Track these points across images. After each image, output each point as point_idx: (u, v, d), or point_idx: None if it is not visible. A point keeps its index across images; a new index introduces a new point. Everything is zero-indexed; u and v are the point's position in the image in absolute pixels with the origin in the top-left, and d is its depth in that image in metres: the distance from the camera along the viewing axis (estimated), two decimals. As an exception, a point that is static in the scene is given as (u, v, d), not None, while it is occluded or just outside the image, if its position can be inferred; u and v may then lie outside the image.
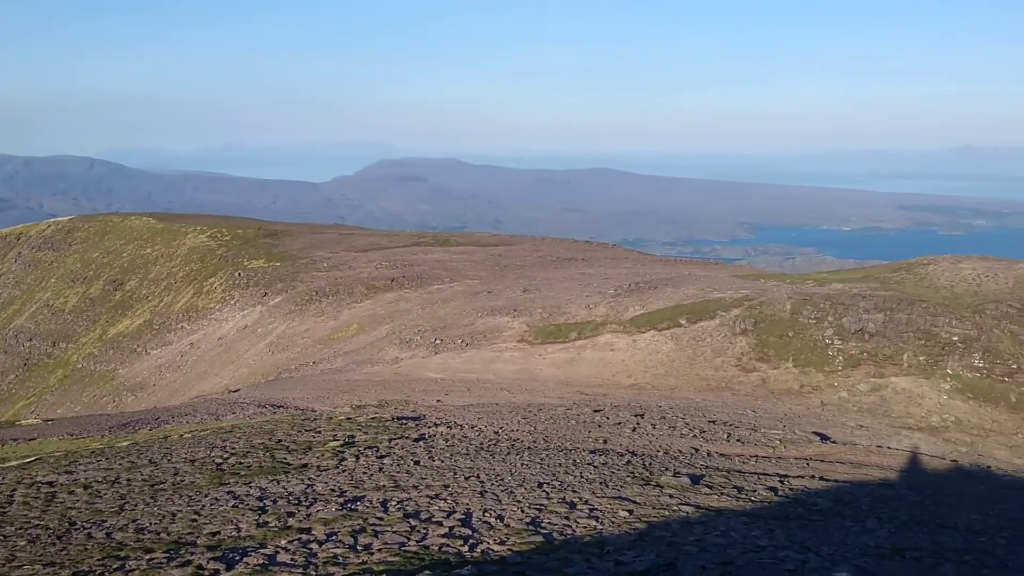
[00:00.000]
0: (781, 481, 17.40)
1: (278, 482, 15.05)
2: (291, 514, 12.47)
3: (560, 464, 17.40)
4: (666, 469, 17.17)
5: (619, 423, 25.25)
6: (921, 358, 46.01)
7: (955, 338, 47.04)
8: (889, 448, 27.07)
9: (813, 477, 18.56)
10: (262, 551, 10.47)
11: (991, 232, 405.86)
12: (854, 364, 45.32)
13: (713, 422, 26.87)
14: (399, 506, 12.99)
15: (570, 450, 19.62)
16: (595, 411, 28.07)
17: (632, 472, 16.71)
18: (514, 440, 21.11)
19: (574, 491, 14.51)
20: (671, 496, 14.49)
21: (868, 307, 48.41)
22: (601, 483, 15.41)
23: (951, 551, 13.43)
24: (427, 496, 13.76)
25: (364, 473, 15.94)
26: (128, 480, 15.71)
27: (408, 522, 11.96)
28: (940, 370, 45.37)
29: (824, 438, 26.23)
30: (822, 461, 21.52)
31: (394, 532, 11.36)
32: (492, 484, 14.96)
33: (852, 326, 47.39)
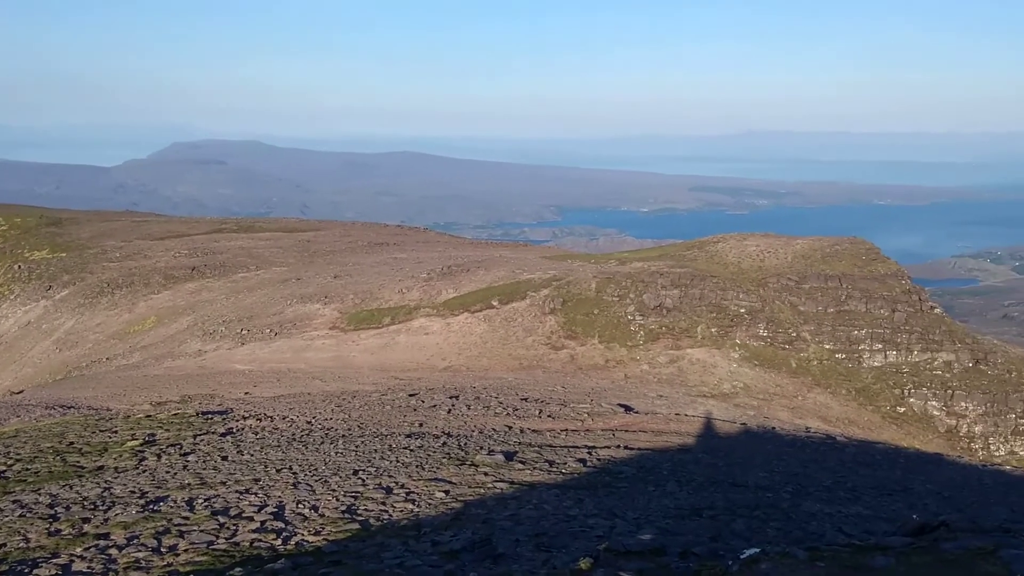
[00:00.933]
0: (589, 452, 18.16)
1: (71, 487, 14.01)
2: (87, 520, 11.66)
3: (376, 450, 17.29)
4: (481, 448, 17.47)
5: (434, 406, 25.41)
6: (713, 330, 49.37)
7: (742, 310, 50.82)
8: (687, 415, 28.88)
9: (619, 447, 19.48)
10: (55, 561, 9.74)
11: (772, 211, 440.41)
12: (654, 338, 47.96)
13: (525, 399, 27.60)
14: (206, 504, 12.46)
15: (386, 435, 19.54)
16: (410, 395, 28.10)
17: (448, 453, 16.87)
18: (328, 429, 20.76)
19: (390, 476, 14.48)
20: (486, 474, 14.77)
21: (665, 284, 51.33)
22: (417, 466, 15.46)
23: (743, 507, 14.52)
24: (236, 491, 13.28)
25: (167, 472, 15.15)
26: None
27: (216, 520, 11.50)
28: (730, 340, 48.90)
29: (628, 409, 27.60)
30: (627, 431, 22.63)
31: (201, 531, 10.89)
32: (306, 475, 14.66)
33: (652, 302, 50.07)
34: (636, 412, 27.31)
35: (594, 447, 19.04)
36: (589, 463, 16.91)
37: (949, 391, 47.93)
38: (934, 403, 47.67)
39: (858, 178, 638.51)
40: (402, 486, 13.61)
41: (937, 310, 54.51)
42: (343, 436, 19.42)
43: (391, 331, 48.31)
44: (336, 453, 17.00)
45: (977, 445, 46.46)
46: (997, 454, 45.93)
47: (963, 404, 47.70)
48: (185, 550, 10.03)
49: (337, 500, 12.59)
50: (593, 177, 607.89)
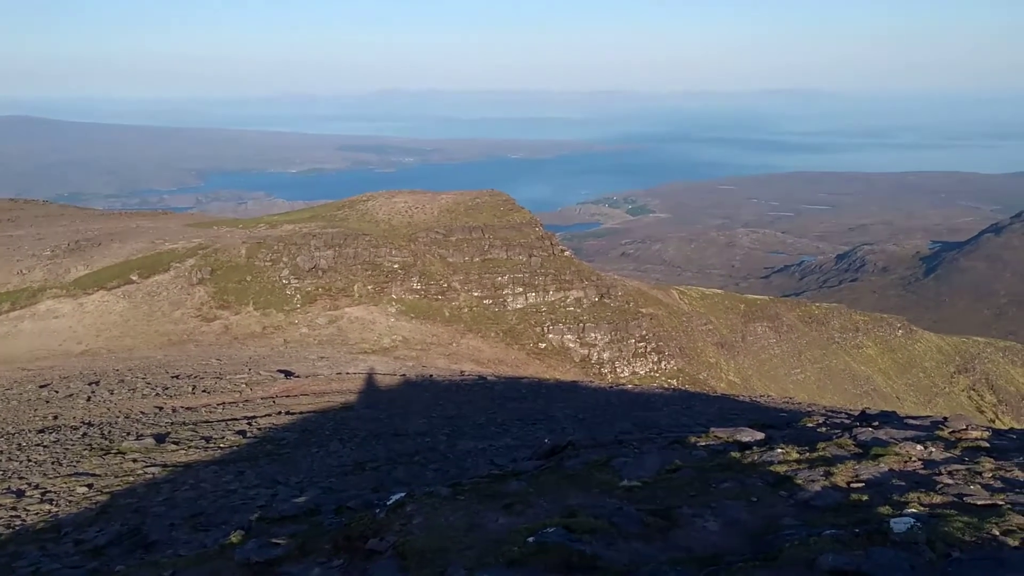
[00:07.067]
0: (249, 423, 17.74)
1: None
2: None
3: (2, 451, 15.44)
4: (128, 434, 16.32)
5: (71, 395, 23.14)
6: (369, 287, 50.12)
7: (396, 266, 52.12)
8: (348, 374, 29.18)
9: (280, 413, 19.24)
10: None
11: (418, 168, 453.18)
12: (311, 300, 47.59)
13: (177, 377, 26.12)
14: None
15: (13, 434, 17.47)
16: (41, 386, 25.30)
17: (89, 444, 15.55)
18: (-62, 437, 18.09)
19: (21, 477, 13.05)
20: (135, 460, 13.86)
21: (319, 245, 51.00)
22: (54, 463, 14.08)
23: (403, 456, 15.13)
24: None
25: None
26: None
27: None
28: (386, 296, 50.00)
29: (289, 374, 27.25)
30: (288, 396, 22.38)
31: None
32: (-88, 492, 12.72)
33: (306, 264, 49.53)
34: (297, 376, 27.06)
35: (254, 417, 18.63)
36: (249, 434, 16.54)
37: (581, 324, 53.36)
38: (569, 336, 52.81)
39: (495, 134, 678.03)
40: (36, 487, 12.36)
41: (567, 253, 60.14)
42: (-42, 443, 17.06)
43: (12, 318, 42.93)
44: (-51, 463, 14.91)
45: (606, 370, 52.38)
46: (622, 375, 52.20)
47: (593, 335, 53.41)
48: None
49: (-45, 515, 11.11)
50: (236, 138, 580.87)
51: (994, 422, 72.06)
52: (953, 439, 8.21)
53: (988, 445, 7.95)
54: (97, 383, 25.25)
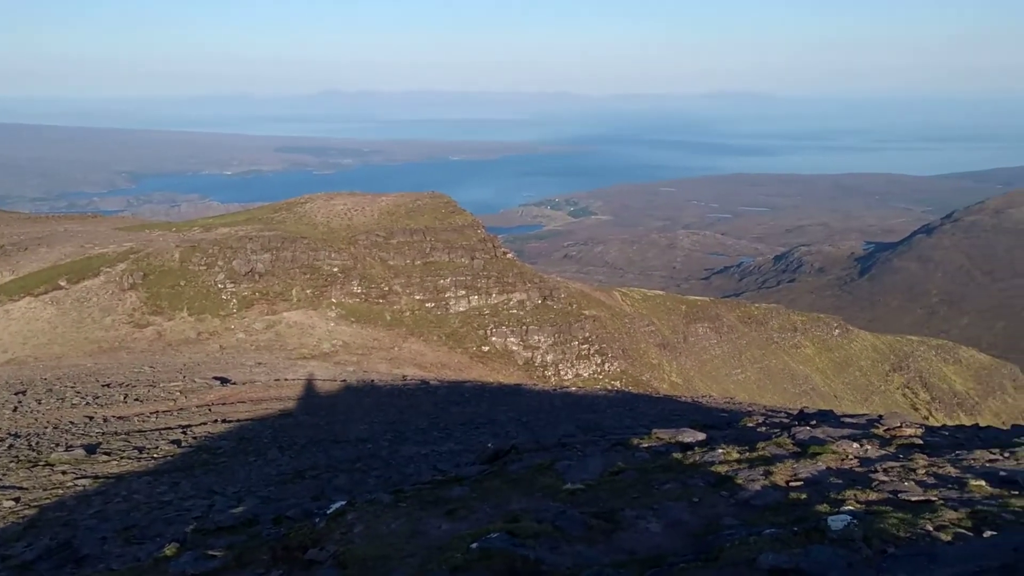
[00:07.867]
0: (184, 432, 17.32)
1: None
2: None
3: (-79, 467, 14.80)
4: (56, 445, 15.78)
5: (-4, 405, 22.32)
6: (308, 291, 49.47)
7: (336, 269, 51.54)
8: (287, 380, 28.71)
9: (216, 421, 18.83)
10: None
11: (357, 169, 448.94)
12: (248, 305, 46.77)
13: (108, 385, 25.38)
14: None
15: (-67, 448, 16.78)
16: (-37, 397, 24.34)
17: (16, 456, 14.99)
18: None
19: (-58, 494, 12.51)
20: (64, 472, 13.41)
21: (255, 248, 50.16)
22: (-23, 477, 13.55)
23: (344, 462, 14.92)
24: None
25: None
26: None
27: None
28: (326, 300, 49.40)
29: (225, 381, 26.71)
30: (224, 404, 21.93)
31: None
32: None
33: (242, 268, 48.66)
34: (234, 383, 26.54)
35: (189, 426, 18.20)
36: (184, 443, 16.14)
37: (524, 327, 53.43)
38: (512, 339, 52.84)
39: (436, 136, 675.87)
40: (-41, 502, 11.85)
41: (509, 255, 60.19)
42: None
43: (-68, 326, 41.30)
44: None
45: (550, 372, 52.53)
46: (566, 378, 52.40)
47: (536, 337, 53.52)
48: None
49: None
50: (169, 140, 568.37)
51: (927, 419, 74.25)
52: (888, 437, 8.39)
53: (922, 442, 8.14)
54: (24, 392, 24.40)
